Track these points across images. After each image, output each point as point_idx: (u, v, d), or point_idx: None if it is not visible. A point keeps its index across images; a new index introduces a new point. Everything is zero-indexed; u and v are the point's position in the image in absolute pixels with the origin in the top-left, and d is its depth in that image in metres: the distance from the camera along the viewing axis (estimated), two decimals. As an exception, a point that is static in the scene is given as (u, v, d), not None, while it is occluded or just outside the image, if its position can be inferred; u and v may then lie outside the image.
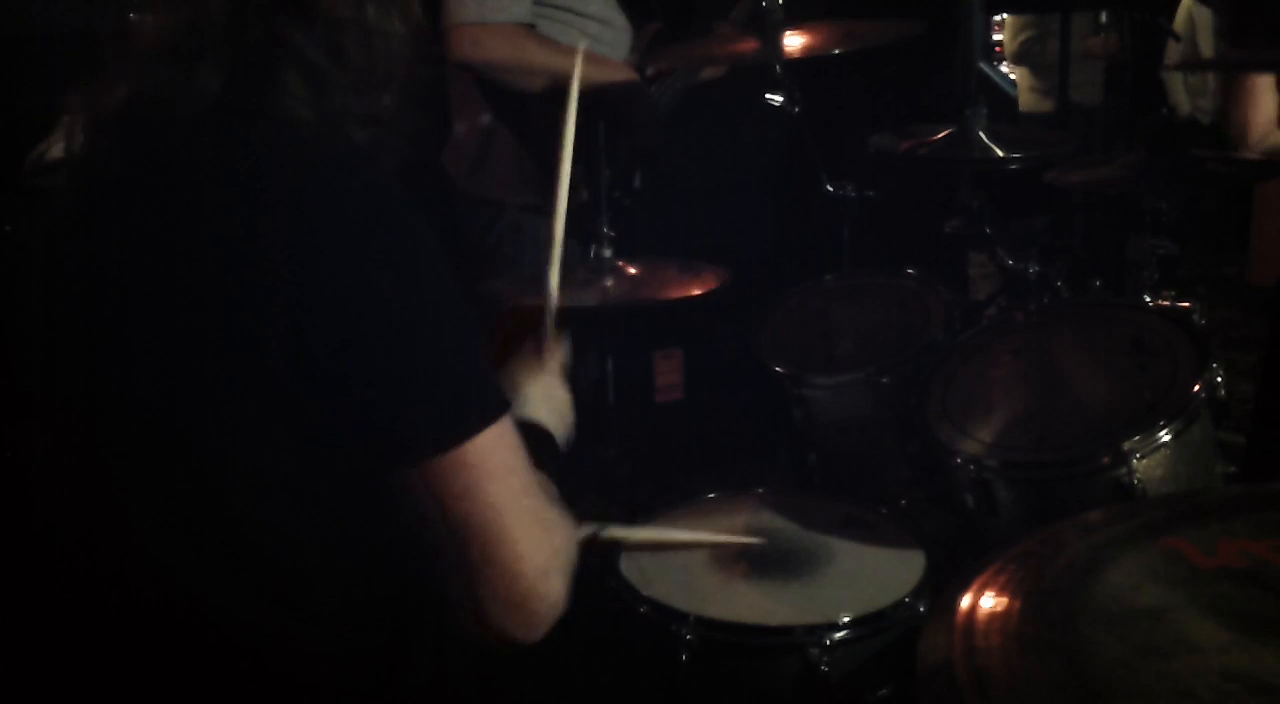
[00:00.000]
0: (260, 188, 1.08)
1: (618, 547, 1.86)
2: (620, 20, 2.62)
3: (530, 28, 2.43)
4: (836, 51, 2.44)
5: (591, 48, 2.51)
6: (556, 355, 1.54)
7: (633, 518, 2.00)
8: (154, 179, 1.12)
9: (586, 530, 1.72)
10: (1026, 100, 5.57)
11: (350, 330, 1.06)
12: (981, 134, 2.41)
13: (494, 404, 1.14)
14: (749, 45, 2.40)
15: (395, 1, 1.18)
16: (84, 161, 1.18)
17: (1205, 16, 5.33)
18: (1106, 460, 1.78)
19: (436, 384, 1.11)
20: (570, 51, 2.12)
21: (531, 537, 1.13)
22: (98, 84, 1.14)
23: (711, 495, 2.11)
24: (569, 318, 1.57)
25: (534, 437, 1.33)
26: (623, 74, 2.53)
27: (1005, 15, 5.53)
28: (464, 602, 1.13)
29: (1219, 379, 1.88)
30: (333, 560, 1.15)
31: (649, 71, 2.57)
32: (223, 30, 1.10)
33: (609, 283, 2.11)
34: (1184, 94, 5.49)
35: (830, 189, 2.51)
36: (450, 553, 1.13)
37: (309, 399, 1.07)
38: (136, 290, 1.11)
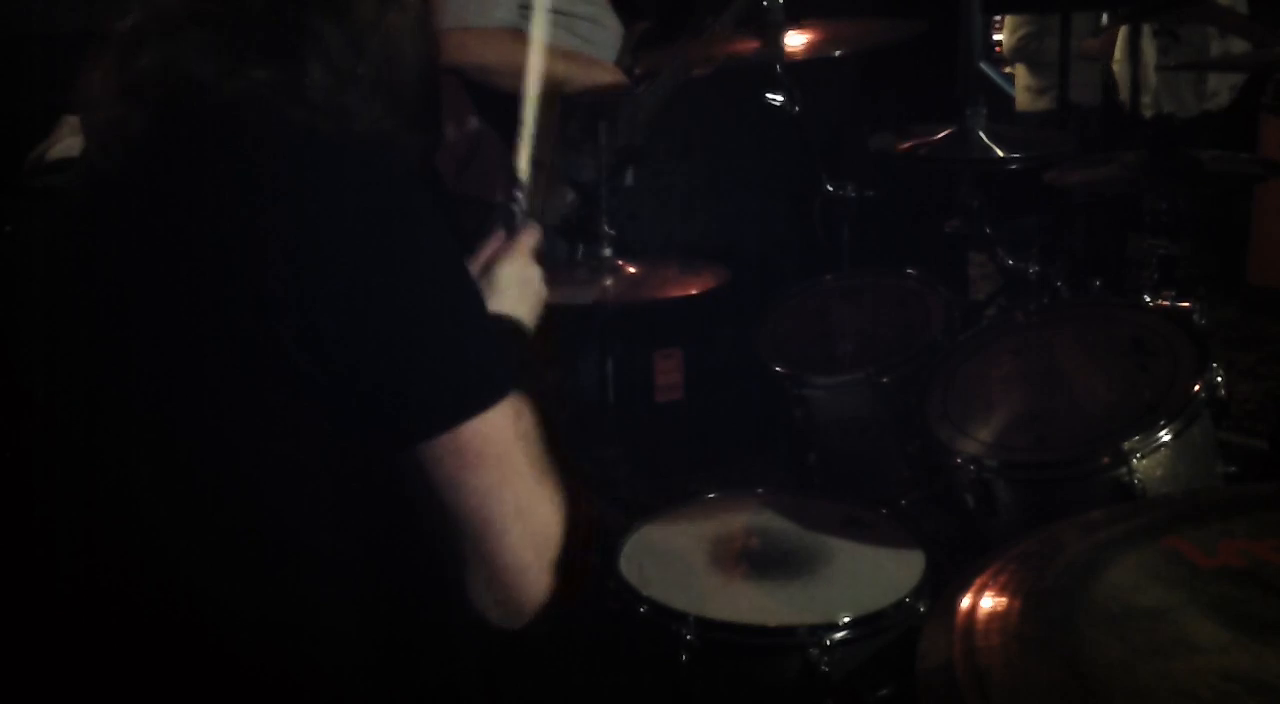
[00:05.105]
0: (263, 179, 1.08)
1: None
2: (611, 20, 2.62)
3: (516, 32, 2.43)
4: (836, 52, 2.45)
5: (581, 48, 2.51)
6: (530, 236, 1.50)
7: (632, 518, 2.00)
8: (158, 174, 1.12)
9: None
10: (1023, 99, 5.56)
11: (354, 317, 1.06)
12: (981, 134, 2.41)
13: (494, 387, 1.12)
14: (749, 45, 2.40)
15: (409, 8, 1.18)
16: (87, 157, 1.18)
17: (1205, 17, 5.31)
18: (1106, 460, 1.78)
19: (433, 367, 1.10)
20: (558, 53, 2.12)
21: (516, 531, 1.12)
22: (107, 69, 1.14)
23: (711, 495, 2.11)
24: (562, 317, 1.55)
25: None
26: (610, 76, 2.52)
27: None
28: (452, 583, 1.13)
29: (1219, 379, 1.88)
30: (341, 558, 1.15)
31: (637, 70, 2.56)
32: (255, 15, 1.10)
33: (609, 282, 2.11)
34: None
35: (830, 189, 2.51)
36: (440, 537, 1.13)
37: (314, 389, 1.07)
38: (140, 286, 1.11)
